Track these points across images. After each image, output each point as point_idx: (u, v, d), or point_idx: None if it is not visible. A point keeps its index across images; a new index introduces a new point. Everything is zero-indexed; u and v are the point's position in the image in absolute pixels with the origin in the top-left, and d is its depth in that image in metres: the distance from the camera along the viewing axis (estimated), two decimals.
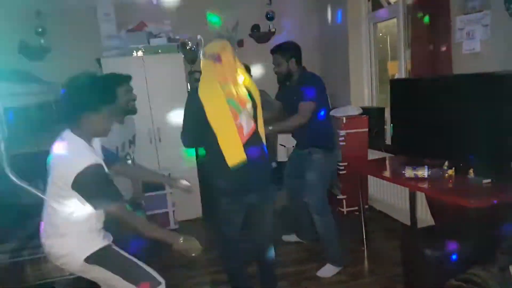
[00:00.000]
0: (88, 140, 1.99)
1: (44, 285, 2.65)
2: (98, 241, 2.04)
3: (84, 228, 2.00)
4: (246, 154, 2.29)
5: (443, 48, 3.17)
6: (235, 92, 2.26)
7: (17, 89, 3.01)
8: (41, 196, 2.56)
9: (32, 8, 4.60)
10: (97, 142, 2.11)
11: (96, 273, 2.02)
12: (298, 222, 3.69)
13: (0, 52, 3.64)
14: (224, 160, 2.26)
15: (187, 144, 2.51)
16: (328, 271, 3.22)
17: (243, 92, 2.32)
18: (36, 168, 4.41)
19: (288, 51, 3.15)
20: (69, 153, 1.90)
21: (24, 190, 2.91)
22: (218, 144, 2.27)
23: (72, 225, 1.97)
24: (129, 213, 2.00)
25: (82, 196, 1.88)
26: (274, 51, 3.21)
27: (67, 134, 1.96)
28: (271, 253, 2.73)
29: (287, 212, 3.74)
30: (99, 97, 1.94)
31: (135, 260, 2.08)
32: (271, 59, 3.24)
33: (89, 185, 1.86)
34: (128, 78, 2.71)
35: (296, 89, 3.10)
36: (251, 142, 2.33)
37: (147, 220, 2.10)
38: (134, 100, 2.77)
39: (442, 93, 2.97)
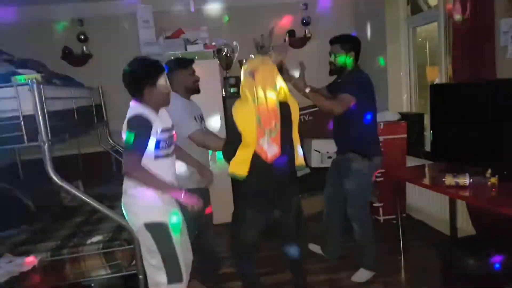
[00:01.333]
0: (154, 109, 2.28)
1: (83, 283, 2.72)
2: (160, 214, 2.26)
3: (148, 192, 2.22)
4: (271, 173, 2.36)
5: (487, 52, 3.06)
6: (264, 112, 2.30)
7: (60, 93, 3.12)
8: (82, 196, 2.64)
9: (75, 16, 4.79)
10: (164, 112, 2.41)
11: (146, 240, 2.25)
12: (324, 236, 3.59)
13: (45, 58, 3.79)
14: (251, 172, 2.36)
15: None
16: (362, 275, 3.16)
17: (273, 112, 2.32)
18: (77, 169, 4.59)
19: (349, 43, 3.06)
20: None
21: (66, 191, 2.99)
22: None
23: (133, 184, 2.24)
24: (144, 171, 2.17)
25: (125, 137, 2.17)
26: (333, 41, 3.10)
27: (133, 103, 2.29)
28: (299, 261, 2.74)
29: (319, 220, 3.66)
30: (152, 75, 2.26)
31: (178, 251, 2.29)
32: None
33: (130, 127, 2.16)
34: (191, 61, 2.99)
35: (344, 84, 3.02)
36: (276, 161, 2.36)
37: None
38: (197, 81, 3.00)
39: (486, 98, 2.88)
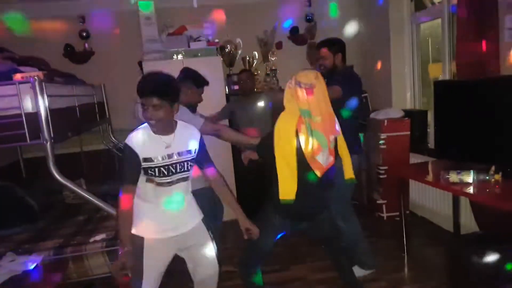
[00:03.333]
0: None
1: (85, 282, 2.72)
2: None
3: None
4: (317, 185, 2.28)
5: (491, 49, 3.04)
6: (323, 126, 2.22)
7: (62, 91, 3.11)
8: (84, 194, 2.63)
9: (76, 13, 4.77)
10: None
11: None
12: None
13: (47, 56, 3.78)
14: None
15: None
16: (356, 272, 3.05)
17: (333, 126, 2.28)
18: (79, 167, 4.59)
19: (335, 45, 3.09)
20: None
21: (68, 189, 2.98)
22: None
23: None
24: None
25: None
26: (321, 44, 3.13)
27: None
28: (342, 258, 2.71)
29: None
30: None
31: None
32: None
33: None
34: (207, 84, 3.13)
35: (334, 78, 2.98)
36: (324, 175, 2.29)
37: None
38: (200, 102, 3.11)
39: (489, 95, 2.87)
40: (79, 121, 3.33)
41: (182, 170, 2.16)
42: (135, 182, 2.09)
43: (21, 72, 2.72)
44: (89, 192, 2.73)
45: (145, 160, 2.05)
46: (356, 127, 3.20)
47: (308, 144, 2.18)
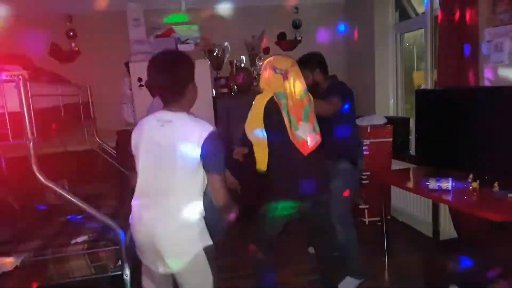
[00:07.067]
0: None
1: (67, 284, 2.69)
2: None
3: None
4: (305, 167, 2.41)
5: (470, 60, 3.12)
6: (294, 109, 2.36)
7: (47, 90, 3.08)
8: (67, 196, 2.61)
9: (64, 12, 4.74)
10: None
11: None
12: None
13: (33, 54, 3.74)
14: (282, 165, 2.43)
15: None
16: (349, 283, 3.11)
17: (305, 109, 2.40)
18: (63, 168, 4.53)
19: (310, 62, 3.05)
20: None
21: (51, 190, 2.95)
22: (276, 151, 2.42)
23: None
24: None
25: None
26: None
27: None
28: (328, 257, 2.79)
29: None
30: None
31: None
32: None
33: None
34: None
35: (325, 95, 2.99)
36: (311, 156, 2.40)
37: None
38: None
39: (469, 104, 2.93)
40: (64, 121, 3.31)
41: None
42: None
43: (5, 70, 2.69)
44: (72, 193, 2.71)
45: None
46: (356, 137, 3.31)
47: (288, 123, 2.34)
